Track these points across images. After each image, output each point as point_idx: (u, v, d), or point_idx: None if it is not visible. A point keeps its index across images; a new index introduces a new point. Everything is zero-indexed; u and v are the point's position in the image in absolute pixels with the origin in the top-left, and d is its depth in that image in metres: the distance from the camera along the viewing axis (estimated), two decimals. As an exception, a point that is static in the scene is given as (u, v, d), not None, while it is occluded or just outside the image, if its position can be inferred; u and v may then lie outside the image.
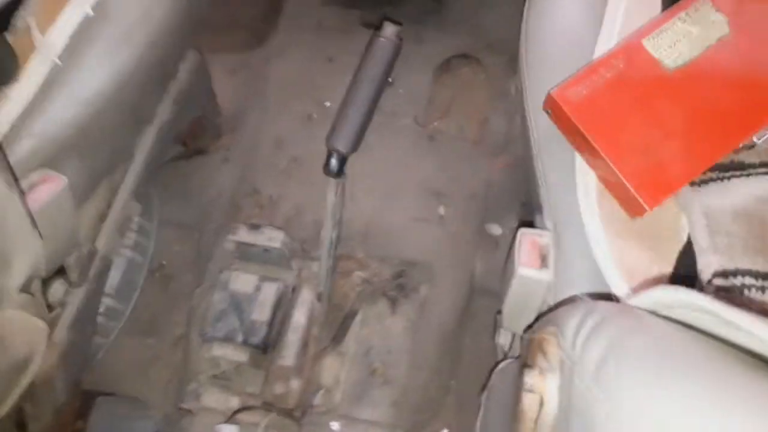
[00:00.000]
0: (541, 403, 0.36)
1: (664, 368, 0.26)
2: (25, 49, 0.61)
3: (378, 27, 0.75)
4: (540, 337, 0.38)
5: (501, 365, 0.61)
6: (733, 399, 0.23)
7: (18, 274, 0.47)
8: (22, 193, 0.48)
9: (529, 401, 0.38)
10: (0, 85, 0.60)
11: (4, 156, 0.44)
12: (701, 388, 0.24)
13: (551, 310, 0.52)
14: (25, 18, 0.61)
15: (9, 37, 0.61)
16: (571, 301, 0.51)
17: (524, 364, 0.37)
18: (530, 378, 0.35)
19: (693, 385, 0.24)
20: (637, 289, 0.49)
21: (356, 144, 0.69)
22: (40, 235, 0.51)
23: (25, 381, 0.62)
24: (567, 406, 0.31)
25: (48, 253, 0.58)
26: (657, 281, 0.51)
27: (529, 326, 0.56)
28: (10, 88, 0.60)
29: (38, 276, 0.62)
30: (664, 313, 0.36)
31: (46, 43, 0.61)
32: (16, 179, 0.47)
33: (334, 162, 0.68)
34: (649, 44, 0.58)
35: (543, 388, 0.35)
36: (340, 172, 0.69)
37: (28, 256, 0.48)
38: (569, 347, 0.33)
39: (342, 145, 0.68)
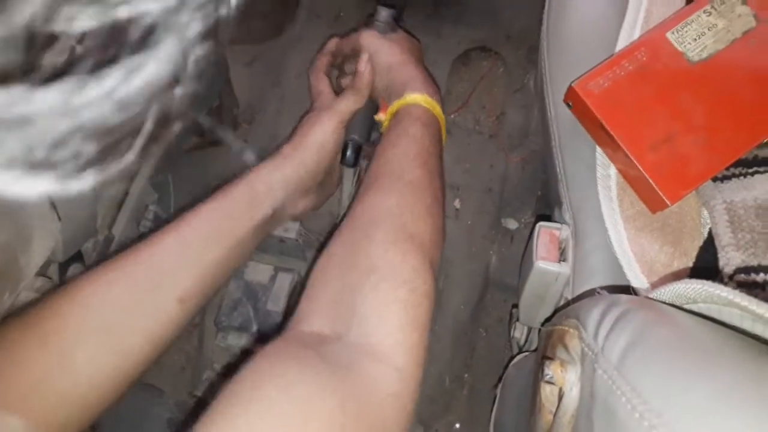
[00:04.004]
0: (560, 395, 0.36)
1: (690, 359, 0.26)
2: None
3: (372, 14, 0.74)
4: (561, 330, 0.38)
5: (517, 358, 0.61)
6: (762, 389, 0.23)
7: (37, 255, 0.47)
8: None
9: (548, 392, 0.37)
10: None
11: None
12: (729, 380, 0.24)
13: (570, 303, 0.51)
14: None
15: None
16: (589, 294, 0.50)
17: (544, 355, 0.37)
18: (550, 369, 0.35)
19: (721, 376, 0.24)
20: (656, 284, 0.49)
21: (370, 132, 0.70)
22: (59, 217, 0.51)
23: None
24: (588, 397, 0.30)
25: (66, 237, 0.59)
26: (677, 276, 0.50)
27: (547, 319, 0.56)
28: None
29: (56, 260, 0.62)
30: (687, 306, 0.35)
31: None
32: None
33: (350, 152, 0.68)
34: (672, 37, 0.57)
35: (563, 379, 0.35)
36: (357, 162, 0.69)
37: (46, 238, 0.49)
38: (591, 339, 0.32)
39: (356, 134, 0.68)
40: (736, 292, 0.29)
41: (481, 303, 0.95)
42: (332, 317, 0.43)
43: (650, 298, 0.37)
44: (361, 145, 0.69)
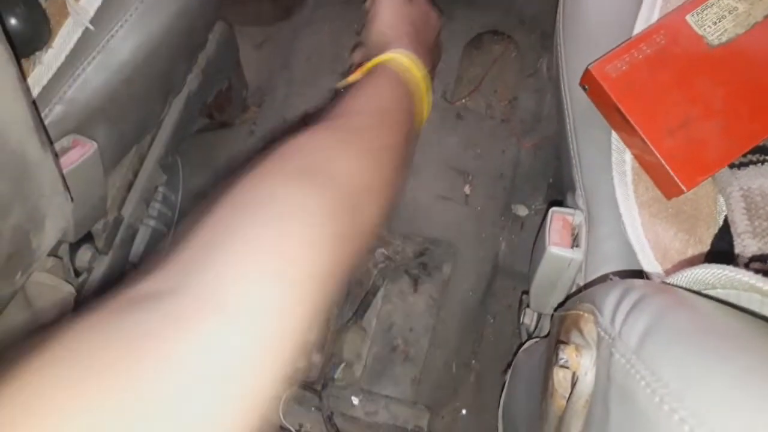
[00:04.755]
0: (574, 381, 0.36)
1: (710, 343, 0.25)
2: (57, 14, 0.61)
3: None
4: (575, 314, 0.37)
5: (527, 344, 0.60)
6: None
7: (50, 236, 0.47)
8: (56, 156, 0.48)
9: (561, 378, 0.37)
10: (33, 50, 0.60)
11: (40, 118, 0.44)
12: (751, 363, 0.23)
13: (583, 289, 0.51)
14: (59, -17, 0.61)
15: (43, 3, 0.61)
16: (603, 280, 0.50)
17: (558, 340, 0.37)
18: (565, 354, 0.35)
19: (742, 359, 0.24)
20: (671, 271, 0.48)
21: None
22: (71, 198, 0.51)
23: (53, 344, 0.63)
24: (604, 382, 0.30)
25: (77, 218, 0.59)
26: (692, 262, 0.50)
27: (560, 305, 0.56)
28: (43, 53, 0.60)
29: (66, 240, 0.63)
30: (705, 292, 0.35)
31: (78, 8, 0.61)
32: (50, 142, 0.47)
33: None
34: (692, 20, 0.56)
35: (578, 364, 0.34)
36: None
37: (59, 219, 0.49)
38: (608, 323, 0.32)
39: None
40: (759, 276, 0.29)
41: (489, 290, 0.95)
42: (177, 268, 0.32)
43: (667, 284, 0.36)
44: None
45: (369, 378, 0.87)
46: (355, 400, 0.86)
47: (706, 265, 0.34)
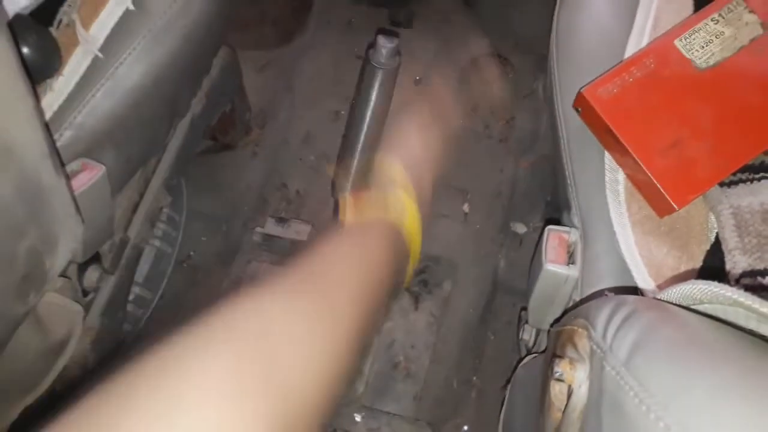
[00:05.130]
0: (569, 393, 0.37)
1: (694, 355, 0.27)
2: (68, 42, 0.63)
3: (371, 44, 0.63)
4: (570, 330, 0.39)
5: (526, 359, 0.61)
6: (763, 383, 0.24)
7: (62, 257, 0.49)
8: (68, 179, 0.50)
9: (557, 391, 0.38)
10: (44, 77, 0.62)
11: (53, 143, 0.46)
12: (732, 374, 0.25)
13: (579, 304, 0.52)
14: (70, 14, 0.63)
15: (53, 32, 0.63)
16: (598, 296, 0.51)
17: (554, 354, 0.38)
18: (560, 367, 0.36)
19: (724, 370, 0.25)
20: (663, 286, 0.50)
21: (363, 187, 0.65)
22: (82, 220, 0.53)
23: (61, 363, 0.64)
24: (597, 394, 0.31)
25: (86, 239, 0.60)
26: (683, 278, 0.51)
27: (556, 320, 0.57)
28: (54, 80, 0.62)
29: (75, 261, 0.64)
30: (693, 307, 0.36)
31: (88, 37, 0.64)
32: (63, 165, 0.49)
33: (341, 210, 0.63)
34: (680, 44, 0.58)
35: (572, 377, 0.35)
36: None
37: (71, 240, 0.50)
38: (600, 338, 0.33)
39: (349, 192, 0.63)
40: (741, 291, 0.30)
41: (489, 306, 0.96)
42: None
43: (657, 299, 0.38)
44: None
45: (371, 395, 0.88)
46: (358, 417, 0.87)
47: (693, 281, 0.36)
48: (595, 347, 0.34)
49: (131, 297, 0.92)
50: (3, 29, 0.38)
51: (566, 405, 0.37)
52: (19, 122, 0.39)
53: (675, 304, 0.37)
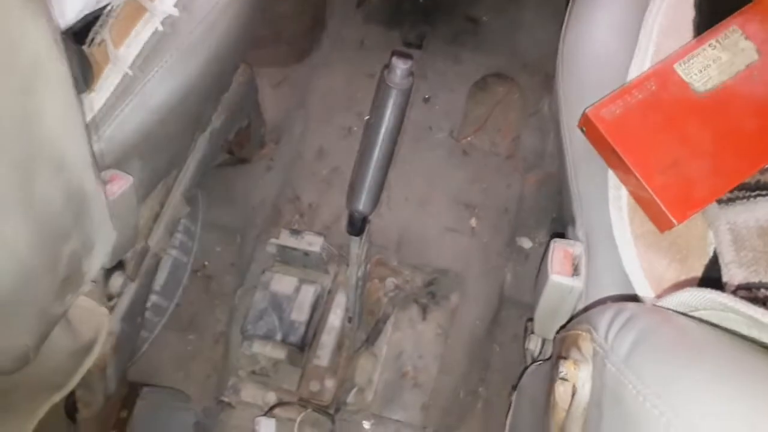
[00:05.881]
0: (573, 393, 0.40)
1: (686, 352, 0.29)
2: (100, 60, 0.67)
3: (387, 65, 0.66)
4: (574, 334, 0.42)
5: (532, 367, 0.64)
6: (745, 375, 0.27)
7: (96, 262, 0.52)
8: (104, 187, 0.53)
9: (561, 392, 0.41)
10: (78, 93, 0.65)
11: (93, 154, 0.49)
12: (717, 369, 0.27)
13: (582, 313, 0.55)
14: (102, 34, 0.67)
15: (87, 50, 0.67)
16: (601, 304, 0.54)
17: (559, 356, 0.41)
18: (564, 368, 0.39)
19: (710, 366, 0.28)
20: (661, 294, 0.52)
21: (376, 201, 0.69)
22: (114, 227, 0.56)
23: (87, 364, 0.67)
24: (599, 390, 0.34)
25: (114, 246, 0.63)
26: (682, 287, 0.54)
27: (561, 328, 0.60)
28: (86, 96, 0.66)
29: (103, 266, 0.67)
30: (690, 314, 0.39)
31: (119, 55, 0.67)
32: (100, 175, 0.52)
33: (355, 223, 0.69)
34: (680, 69, 0.61)
35: (576, 377, 0.38)
36: (362, 231, 0.70)
37: (105, 246, 0.53)
38: (602, 339, 0.36)
39: (362, 206, 0.67)
40: (731, 296, 0.33)
41: (495, 319, 0.98)
42: None
43: (655, 305, 0.41)
44: (365, 216, 0.69)
45: (380, 403, 0.90)
46: (367, 425, 0.89)
47: (689, 289, 0.39)
48: (597, 348, 0.37)
49: (148, 304, 0.95)
50: (61, 49, 0.42)
51: (570, 404, 0.40)
52: (70, 133, 0.42)
53: (672, 311, 0.40)
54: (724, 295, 0.34)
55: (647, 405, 0.28)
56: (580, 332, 0.41)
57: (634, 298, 0.53)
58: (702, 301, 0.37)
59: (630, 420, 0.30)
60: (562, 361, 0.39)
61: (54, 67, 0.40)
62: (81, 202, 0.46)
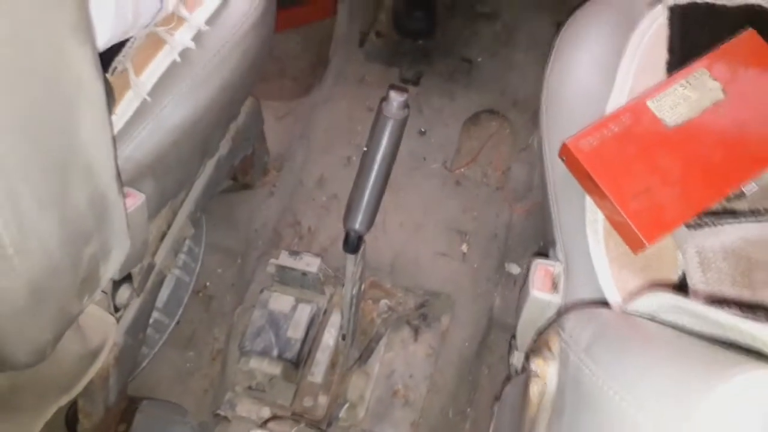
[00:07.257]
0: (545, 392, 0.44)
1: (636, 342, 0.34)
2: (121, 86, 0.73)
3: (384, 97, 0.69)
4: (545, 336, 0.46)
5: (513, 379, 0.68)
6: (689, 363, 0.31)
7: (112, 267, 0.56)
8: (124, 198, 0.58)
9: (535, 390, 0.45)
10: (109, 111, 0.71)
11: (117, 166, 0.54)
12: (661, 354, 0.32)
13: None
14: (124, 62, 0.72)
15: (109, 77, 0.72)
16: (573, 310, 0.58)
17: (531, 353, 0.45)
18: (535, 365, 0.43)
19: (655, 352, 0.32)
20: (626, 300, 0.56)
21: (371, 221, 0.71)
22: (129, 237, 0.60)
23: (93, 370, 0.70)
24: (563, 377, 0.38)
25: (126, 257, 0.68)
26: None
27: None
28: (107, 118, 0.71)
29: (114, 277, 0.71)
30: (650, 317, 0.43)
31: (139, 82, 0.73)
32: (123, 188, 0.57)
33: (351, 241, 0.71)
34: (652, 105, 0.67)
35: (545, 372, 0.43)
36: (357, 249, 0.73)
37: (120, 253, 0.58)
38: (568, 336, 0.41)
39: (358, 225, 0.70)
40: (680, 297, 0.38)
41: (484, 341, 1.02)
42: None
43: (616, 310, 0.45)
44: (361, 235, 0.71)
45: (371, 419, 0.93)
46: (358, 441, 0.92)
47: (648, 293, 0.43)
48: (563, 345, 0.41)
49: (150, 321, 0.99)
50: (100, 71, 0.47)
51: (541, 400, 0.44)
52: (101, 145, 0.48)
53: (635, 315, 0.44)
54: (669, 294, 0.39)
55: (603, 387, 0.32)
56: (550, 335, 0.45)
57: (604, 305, 0.57)
58: (662, 304, 0.41)
59: (588, 400, 0.34)
60: (533, 358, 0.43)
61: (93, 86, 0.46)
62: (104, 208, 0.51)
